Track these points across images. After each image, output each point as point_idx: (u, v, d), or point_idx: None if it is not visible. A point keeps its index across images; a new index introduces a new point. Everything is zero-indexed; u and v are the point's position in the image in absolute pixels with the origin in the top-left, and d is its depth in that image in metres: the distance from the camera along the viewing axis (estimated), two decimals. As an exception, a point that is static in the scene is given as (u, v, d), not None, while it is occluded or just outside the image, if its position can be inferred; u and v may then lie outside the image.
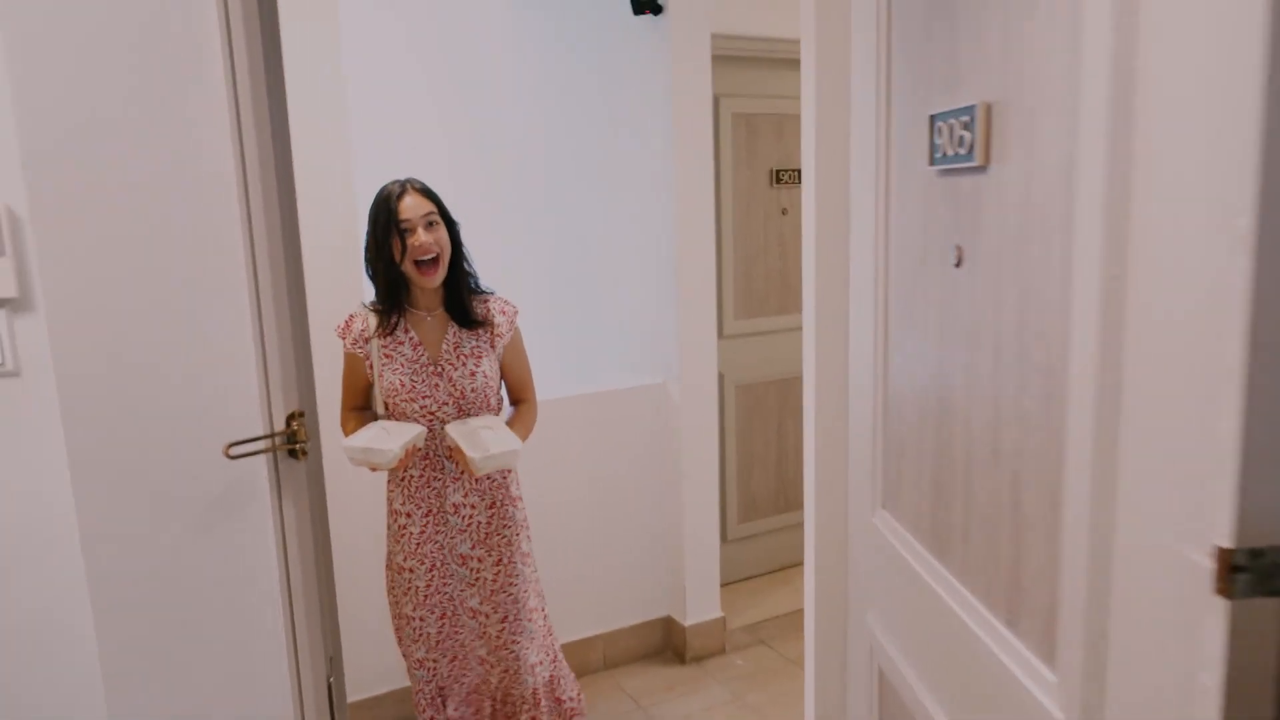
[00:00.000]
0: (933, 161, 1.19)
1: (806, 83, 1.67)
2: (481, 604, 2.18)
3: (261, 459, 1.42)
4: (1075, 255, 0.85)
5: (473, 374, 2.12)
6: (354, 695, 2.66)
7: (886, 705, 1.52)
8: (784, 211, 3.59)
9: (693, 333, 3.01)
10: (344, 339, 2.16)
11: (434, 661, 2.23)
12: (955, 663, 1.20)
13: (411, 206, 2.04)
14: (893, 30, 1.34)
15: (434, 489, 2.15)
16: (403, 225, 2.03)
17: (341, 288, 2.47)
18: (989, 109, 1.03)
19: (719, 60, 3.17)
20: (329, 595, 1.56)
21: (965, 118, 1.07)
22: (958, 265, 1.15)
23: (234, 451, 1.37)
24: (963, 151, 1.09)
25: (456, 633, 2.21)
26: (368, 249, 2.10)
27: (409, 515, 2.15)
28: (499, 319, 2.19)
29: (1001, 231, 1.02)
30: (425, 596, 2.17)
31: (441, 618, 2.20)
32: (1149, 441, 0.77)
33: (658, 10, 2.83)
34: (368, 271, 2.13)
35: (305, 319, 1.57)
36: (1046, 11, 0.91)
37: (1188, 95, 0.70)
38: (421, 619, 2.18)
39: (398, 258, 2.05)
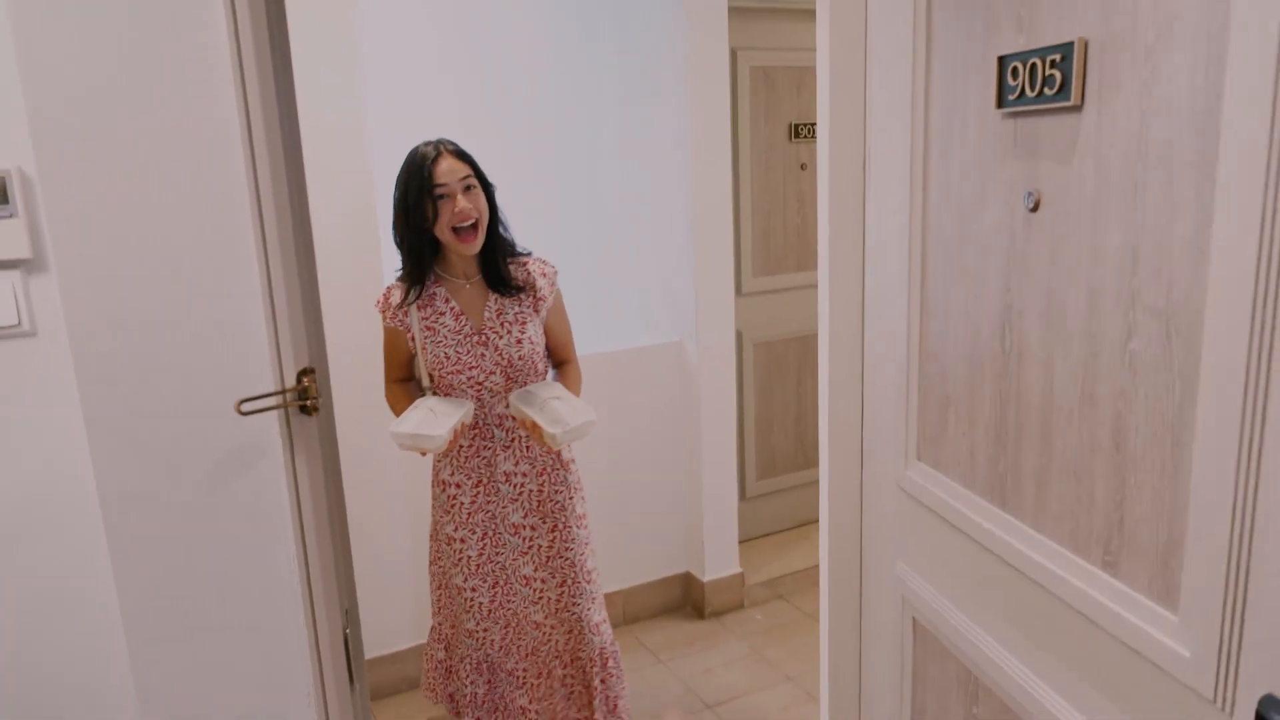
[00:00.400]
0: (1002, 104, 1.17)
1: (821, 33, 1.63)
2: (536, 570, 2.13)
3: (273, 416, 1.43)
4: (1218, 191, 0.85)
5: (519, 341, 2.04)
6: (372, 651, 2.68)
7: (923, 653, 1.54)
8: (803, 167, 3.54)
9: (710, 291, 3.01)
10: (384, 313, 2.07)
11: (484, 631, 2.17)
12: (1029, 608, 1.21)
13: (447, 171, 1.94)
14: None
15: (484, 458, 2.09)
16: (438, 191, 1.93)
17: (355, 247, 2.44)
18: (1086, 45, 1.02)
19: (736, 12, 3.09)
20: (344, 549, 1.56)
21: (1057, 54, 1.05)
22: (1034, 210, 1.14)
23: (246, 408, 1.39)
24: (1051, 91, 1.07)
25: (509, 601, 2.16)
26: (396, 215, 1.98)
27: (459, 485, 2.10)
28: (540, 281, 2.10)
29: (1102, 173, 1.01)
30: (477, 566, 2.12)
31: (494, 586, 2.14)
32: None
33: None
34: (395, 239, 2.02)
35: (314, 276, 1.49)
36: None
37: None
38: (474, 589, 2.13)
39: (431, 225, 1.95)
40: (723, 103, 2.92)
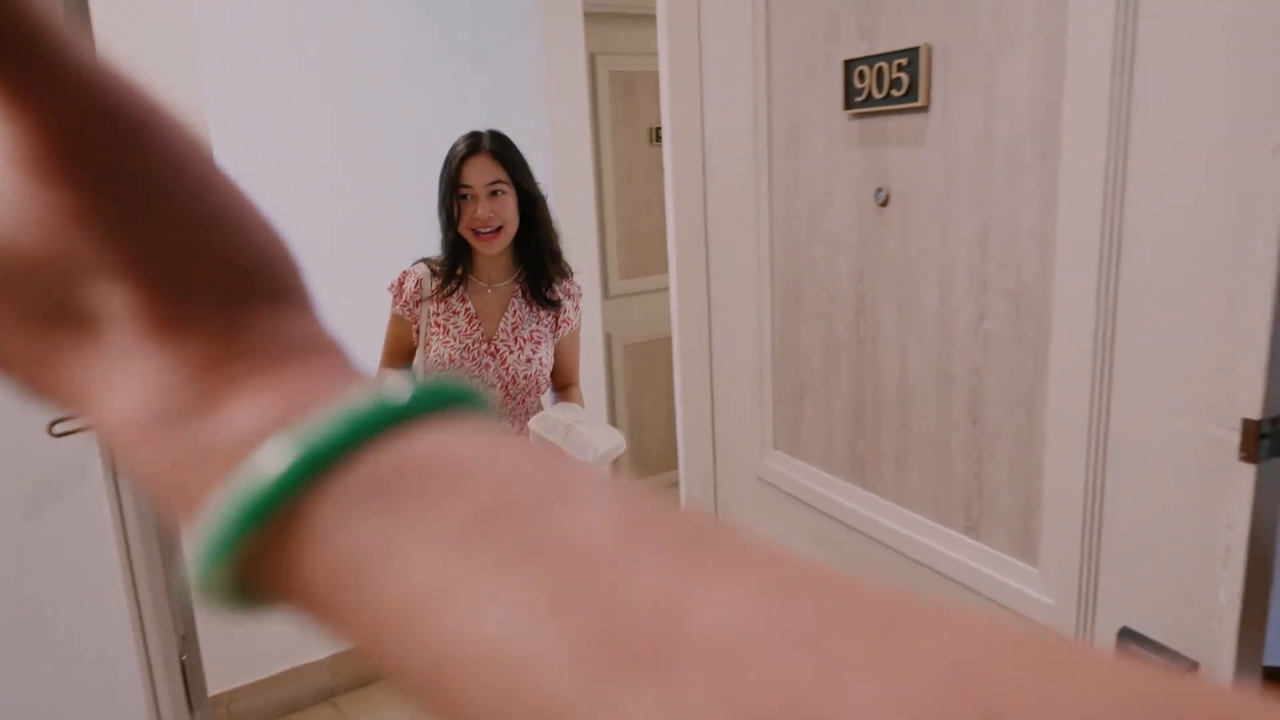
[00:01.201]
0: (849, 106, 1.24)
1: (660, 37, 1.66)
2: None
3: (93, 437, 1.25)
4: (1061, 181, 0.94)
5: (529, 360, 1.95)
6: (240, 680, 2.53)
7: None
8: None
9: (575, 293, 3.00)
10: (396, 298, 1.96)
11: None
12: (894, 577, 1.29)
13: (477, 171, 1.85)
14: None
15: None
16: (462, 192, 1.85)
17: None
18: (930, 50, 1.10)
19: (593, 17, 3.07)
20: (178, 572, 1.43)
21: (904, 59, 1.13)
22: (884, 205, 1.22)
23: (58, 429, 1.21)
24: (899, 93, 1.15)
25: None
26: (440, 205, 1.91)
27: None
28: (567, 303, 2.01)
29: (950, 169, 1.10)
30: None
31: None
32: (1155, 342, 0.88)
33: None
34: (440, 223, 1.94)
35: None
36: (1007, -41, 0.98)
37: (1204, 14, 0.79)
38: None
39: (456, 222, 1.87)
40: (581, 107, 2.93)
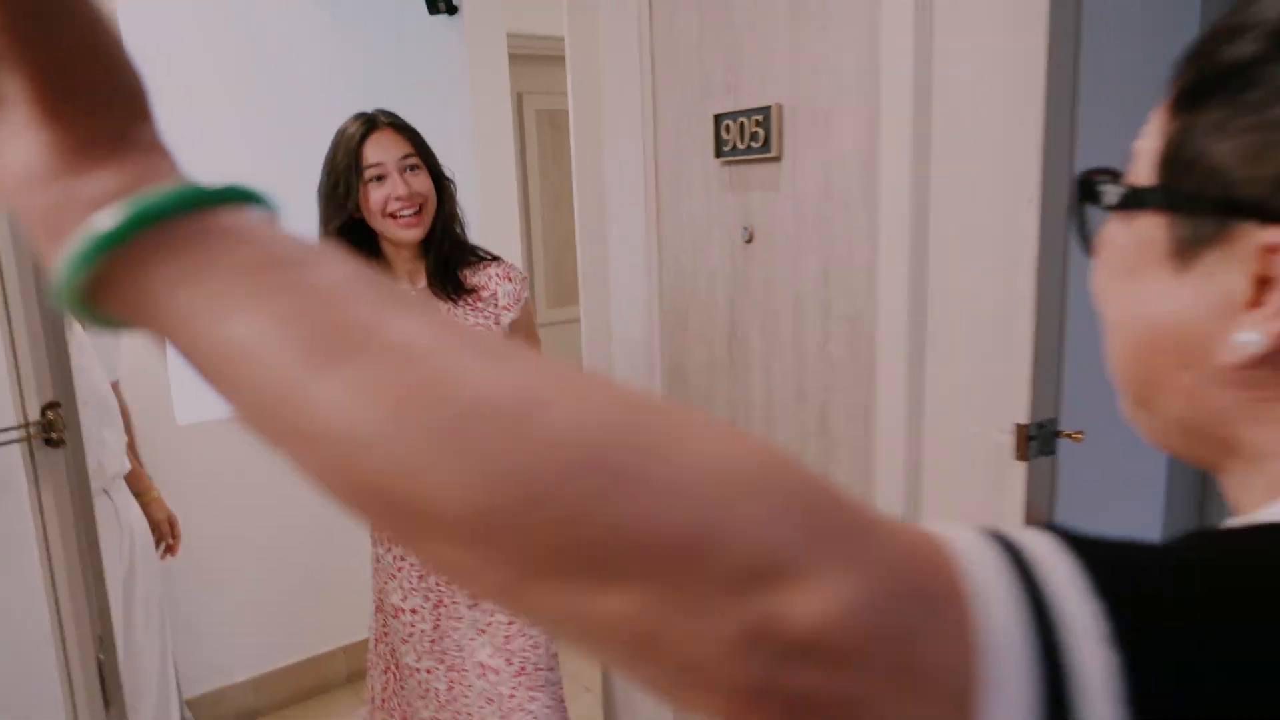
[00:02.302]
0: (719, 154, 1.40)
1: (570, 87, 1.81)
2: (492, 656, 1.67)
3: (15, 449, 1.34)
4: (881, 223, 1.10)
5: None
6: (191, 690, 2.51)
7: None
8: (590, 204, 3.82)
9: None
10: None
11: None
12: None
13: (384, 147, 1.59)
14: (655, 37, 1.54)
15: None
16: (370, 172, 1.58)
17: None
18: (780, 109, 1.26)
19: (519, 59, 3.21)
20: (96, 577, 1.50)
21: (759, 116, 1.29)
22: (749, 242, 1.38)
23: None
24: (757, 145, 1.31)
25: (465, 694, 1.69)
26: (320, 202, 1.65)
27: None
28: (502, 287, 1.65)
29: (799, 212, 1.26)
30: (431, 642, 1.67)
31: (451, 670, 1.68)
32: (955, 361, 1.04)
33: (453, 10, 2.85)
34: (319, 232, 1.67)
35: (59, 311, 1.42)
36: (839, 36, 1.15)
37: (980, 102, 0.97)
38: (429, 671, 1.68)
39: (365, 212, 1.59)
40: (507, 144, 3.07)
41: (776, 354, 1.35)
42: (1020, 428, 0.96)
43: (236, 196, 0.32)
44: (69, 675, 1.33)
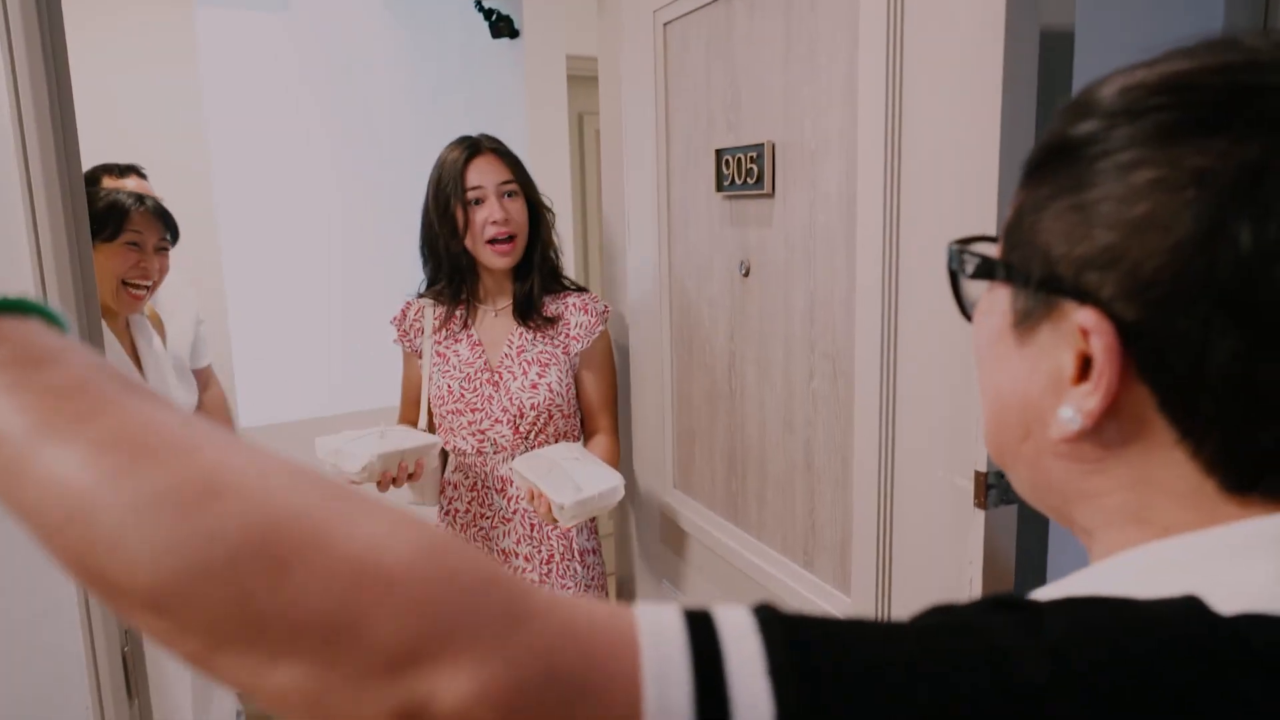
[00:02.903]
0: (720, 188, 1.42)
1: (602, 122, 1.86)
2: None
3: None
4: (858, 264, 1.11)
5: (534, 386, 1.67)
6: None
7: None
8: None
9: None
10: (397, 331, 1.80)
11: None
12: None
13: (484, 171, 1.66)
14: (669, 70, 1.57)
15: (480, 528, 1.72)
16: (471, 195, 1.65)
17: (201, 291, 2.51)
18: (774, 147, 1.28)
19: (580, 80, 3.30)
20: None
21: (754, 153, 1.31)
22: (746, 275, 1.39)
23: None
24: (752, 181, 1.33)
25: None
26: (424, 224, 1.72)
27: None
28: (575, 318, 1.72)
29: (789, 248, 1.27)
30: None
31: None
32: (924, 402, 1.04)
33: (514, 34, 2.96)
34: (423, 253, 1.76)
35: (99, 331, 1.50)
36: (825, 79, 1.16)
37: (945, 149, 0.97)
38: None
39: (462, 234, 1.66)
40: (563, 163, 3.16)
41: (769, 387, 1.36)
42: (979, 475, 0.95)
43: (23, 309, 0.37)
44: (95, 667, 1.41)
